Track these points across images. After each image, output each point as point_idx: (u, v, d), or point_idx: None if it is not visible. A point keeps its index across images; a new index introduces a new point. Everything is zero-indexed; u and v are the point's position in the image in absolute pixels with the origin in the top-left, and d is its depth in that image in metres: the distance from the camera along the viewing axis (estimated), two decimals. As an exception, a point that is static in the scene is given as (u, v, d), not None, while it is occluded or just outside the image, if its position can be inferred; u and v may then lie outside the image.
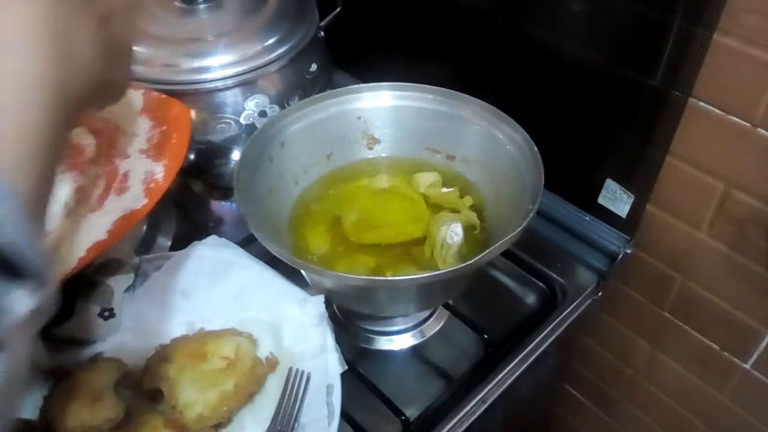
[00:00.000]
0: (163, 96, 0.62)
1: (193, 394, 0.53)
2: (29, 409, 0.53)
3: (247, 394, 0.55)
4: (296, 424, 0.54)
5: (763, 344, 0.73)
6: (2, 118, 0.24)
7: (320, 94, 0.70)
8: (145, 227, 0.73)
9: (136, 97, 0.61)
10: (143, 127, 0.58)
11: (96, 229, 0.48)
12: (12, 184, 0.24)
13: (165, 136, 0.56)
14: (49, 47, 0.27)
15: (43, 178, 0.26)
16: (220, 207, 0.88)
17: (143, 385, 0.55)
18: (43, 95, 0.26)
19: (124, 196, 0.51)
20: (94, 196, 0.51)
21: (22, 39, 0.26)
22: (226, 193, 0.87)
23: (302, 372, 0.56)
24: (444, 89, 0.69)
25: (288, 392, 0.56)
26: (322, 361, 0.57)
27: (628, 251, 0.76)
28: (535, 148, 0.62)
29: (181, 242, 0.71)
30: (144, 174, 0.53)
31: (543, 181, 0.59)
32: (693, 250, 0.73)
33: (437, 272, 0.55)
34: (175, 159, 0.54)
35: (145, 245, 0.73)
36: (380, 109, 0.72)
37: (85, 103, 0.30)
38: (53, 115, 0.26)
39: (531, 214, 0.56)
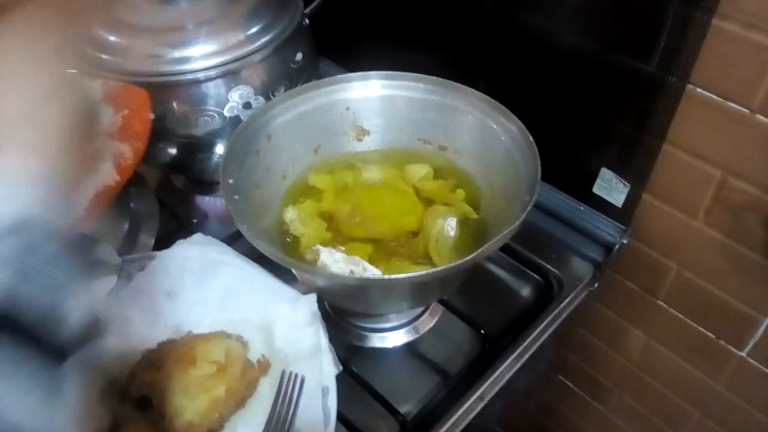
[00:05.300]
0: (120, 83, 0.65)
1: (182, 400, 0.51)
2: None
3: (239, 399, 0.54)
4: (291, 429, 0.52)
5: (760, 332, 0.73)
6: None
7: (307, 84, 0.68)
8: (126, 225, 0.70)
9: (93, 87, 0.64)
10: (105, 113, 0.62)
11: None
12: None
13: (127, 119, 0.61)
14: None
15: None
16: (205, 202, 0.85)
17: (130, 393, 0.53)
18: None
19: (96, 176, 0.55)
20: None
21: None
22: (210, 188, 0.85)
23: (296, 375, 0.54)
24: (436, 78, 0.67)
25: (282, 396, 0.54)
26: (317, 362, 0.55)
27: (624, 241, 0.75)
28: (531, 139, 0.60)
29: (164, 240, 0.69)
30: (112, 155, 0.57)
31: (540, 173, 0.57)
32: (689, 239, 0.72)
33: (433, 270, 0.53)
34: (140, 138, 0.59)
35: (127, 244, 0.70)
36: (369, 99, 0.70)
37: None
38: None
39: (528, 206, 0.55)
